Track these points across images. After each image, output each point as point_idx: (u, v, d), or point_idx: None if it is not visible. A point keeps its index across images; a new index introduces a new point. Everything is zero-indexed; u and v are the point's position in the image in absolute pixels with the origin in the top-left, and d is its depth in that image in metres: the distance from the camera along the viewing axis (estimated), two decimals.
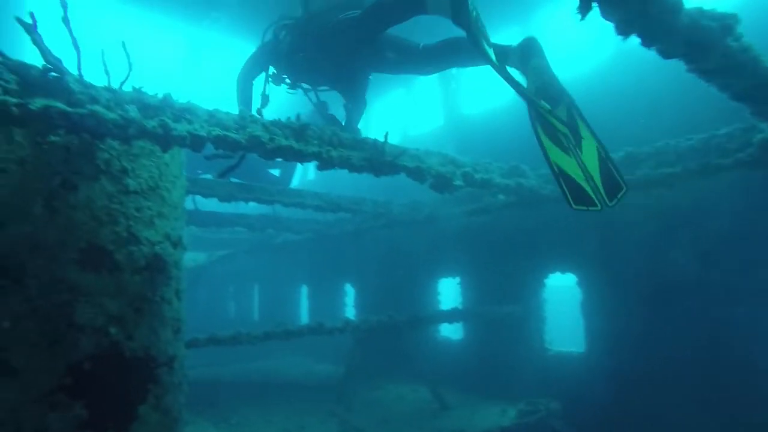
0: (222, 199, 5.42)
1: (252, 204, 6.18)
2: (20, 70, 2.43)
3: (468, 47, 3.15)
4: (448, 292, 10.70)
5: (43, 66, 2.50)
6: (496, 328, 7.48)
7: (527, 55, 3.09)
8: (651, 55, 2.59)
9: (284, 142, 3.10)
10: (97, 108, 2.43)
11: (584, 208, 2.69)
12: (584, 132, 2.78)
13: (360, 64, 4.20)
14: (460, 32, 2.98)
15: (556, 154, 2.70)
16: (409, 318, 5.93)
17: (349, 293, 12.94)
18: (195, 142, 2.72)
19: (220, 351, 4.93)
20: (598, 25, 2.26)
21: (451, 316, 6.66)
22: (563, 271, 7.46)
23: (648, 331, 6.05)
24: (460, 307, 7.87)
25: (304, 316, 14.54)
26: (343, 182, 7.30)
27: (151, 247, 2.86)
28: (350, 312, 12.80)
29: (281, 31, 4.37)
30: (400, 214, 6.88)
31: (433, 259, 9.09)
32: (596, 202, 2.70)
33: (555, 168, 2.66)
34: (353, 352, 6.90)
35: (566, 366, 6.98)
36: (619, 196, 2.75)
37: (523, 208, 5.52)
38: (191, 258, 9.39)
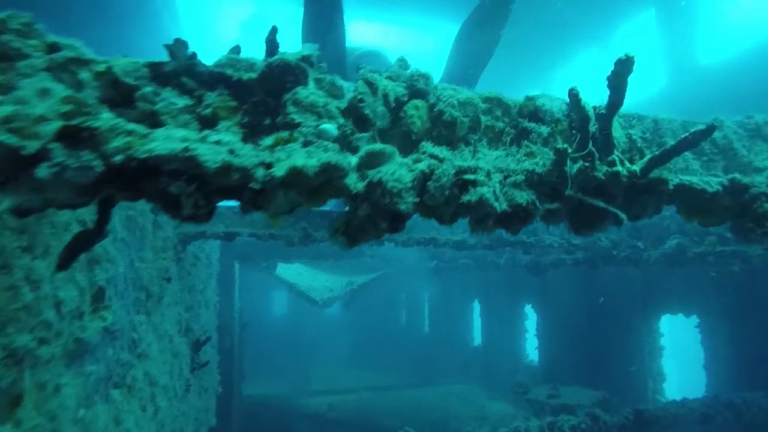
0: None
1: None
2: None
3: None
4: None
5: None
6: None
7: None
8: None
9: None
10: None
11: None
12: None
13: None
14: None
15: None
16: (626, 419, 3.37)
17: (531, 317, 10.84)
18: None
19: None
20: None
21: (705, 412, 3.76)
22: None
23: None
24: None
25: (477, 336, 12.98)
26: None
27: None
28: (531, 341, 10.70)
29: None
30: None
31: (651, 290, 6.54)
32: None
33: None
34: None
35: None
36: None
37: None
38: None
